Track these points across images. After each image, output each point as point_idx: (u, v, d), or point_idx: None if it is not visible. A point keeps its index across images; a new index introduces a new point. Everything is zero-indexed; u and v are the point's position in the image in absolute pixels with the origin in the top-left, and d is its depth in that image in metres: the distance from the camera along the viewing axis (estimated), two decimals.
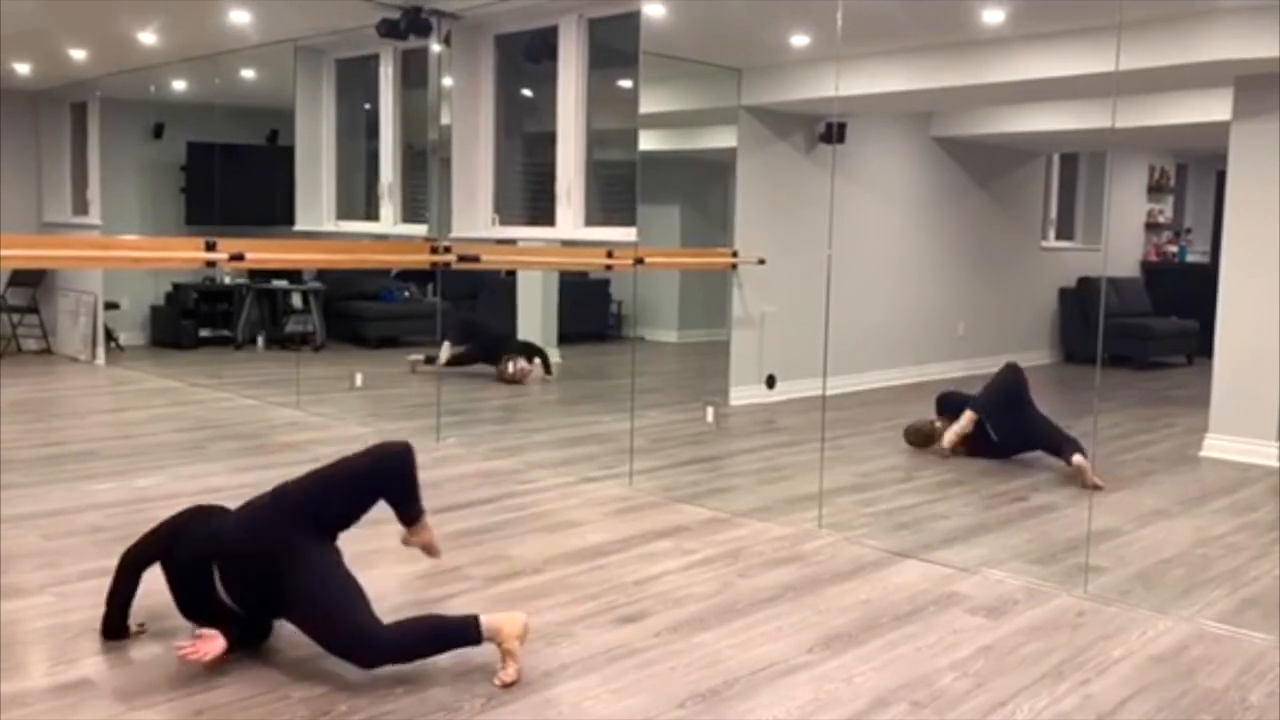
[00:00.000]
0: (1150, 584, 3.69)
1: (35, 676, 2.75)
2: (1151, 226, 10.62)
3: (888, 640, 3.10)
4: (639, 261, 5.61)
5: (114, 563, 2.98)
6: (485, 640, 2.72)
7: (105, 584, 2.97)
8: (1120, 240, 10.21)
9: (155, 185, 9.15)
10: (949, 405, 5.68)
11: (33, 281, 8.94)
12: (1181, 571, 3.83)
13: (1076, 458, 5.00)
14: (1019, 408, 5.43)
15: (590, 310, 9.17)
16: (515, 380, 7.74)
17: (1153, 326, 9.19)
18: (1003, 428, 5.45)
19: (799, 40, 5.82)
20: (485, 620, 2.72)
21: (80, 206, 8.90)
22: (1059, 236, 9.76)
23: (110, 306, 8.79)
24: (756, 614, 3.29)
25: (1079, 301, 9.34)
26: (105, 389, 7.61)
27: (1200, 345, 9.48)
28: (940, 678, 2.85)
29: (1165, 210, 10.75)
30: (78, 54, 7.32)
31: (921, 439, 5.68)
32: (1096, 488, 4.80)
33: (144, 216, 9.01)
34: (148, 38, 6.61)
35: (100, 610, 2.96)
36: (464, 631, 2.72)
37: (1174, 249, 10.67)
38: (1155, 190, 10.56)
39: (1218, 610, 3.40)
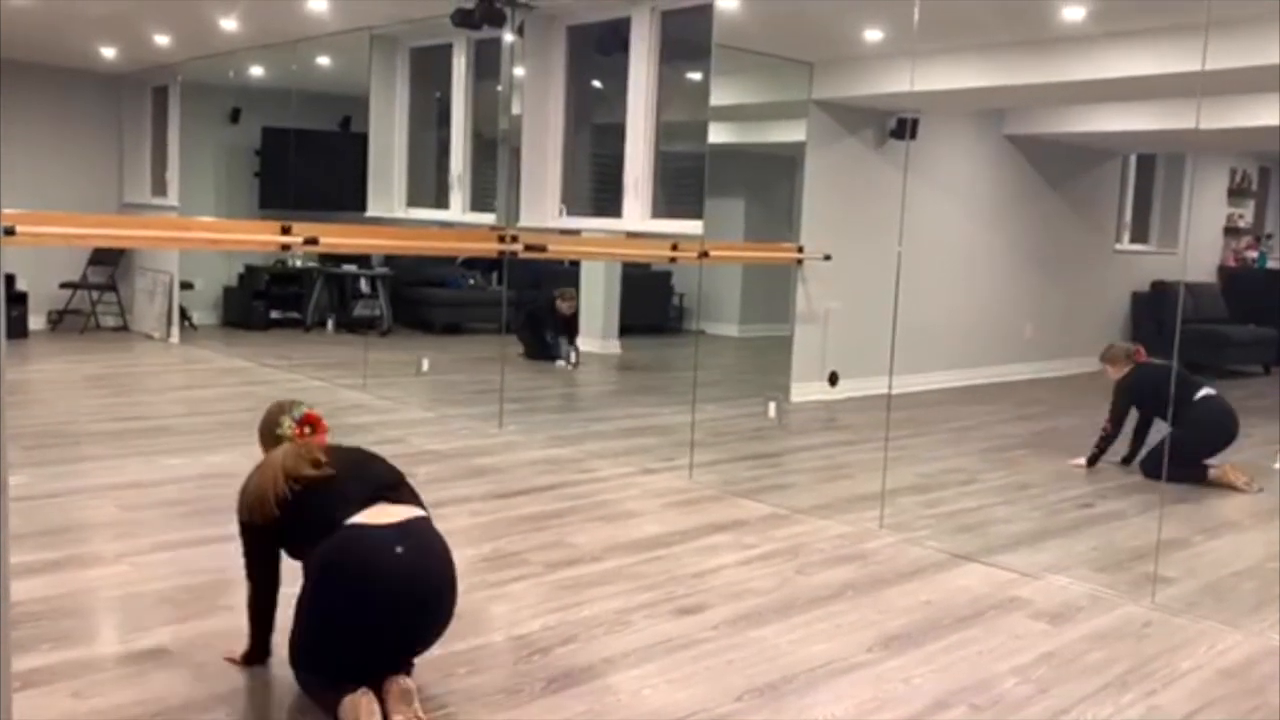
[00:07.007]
0: (1220, 596, 3.61)
1: (111, 644, 2.84)
2: (1231, 231, 10.33)
3: (948, 643, 3.07)
4: (704, 255, 5.60)
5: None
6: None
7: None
8: (1197, 245, 9.94)
9: (231, 169, 9.37)
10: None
11: (112, 260, 9.19)
12: (1254, 585, 3.74)
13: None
14: None
15: (652, 302, 9.18)
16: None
17: (1229, 334, 8.94)
18: None
19: (873, 35, 5.76)
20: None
21: (159, 188, 9.12)
22: (1133, 240, 9.54)
23: (185, 286, 9.01)
24: (815, 611, 3.28)
25: (1152, 306, 9.13)
26: (179, 366, 7.81)
27: (1279, 354, 9.22)
28: (1001, 682, 2.82)
29: (1246, 215, 10.45)
30: (161, 39, 7.50)
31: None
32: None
33: (219, 199, 9.24)
34: (228, 24, 6.76)
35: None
36: None
37: (1254, 255, 10.37)
38: (1236, 194, 10.26)
39: None
